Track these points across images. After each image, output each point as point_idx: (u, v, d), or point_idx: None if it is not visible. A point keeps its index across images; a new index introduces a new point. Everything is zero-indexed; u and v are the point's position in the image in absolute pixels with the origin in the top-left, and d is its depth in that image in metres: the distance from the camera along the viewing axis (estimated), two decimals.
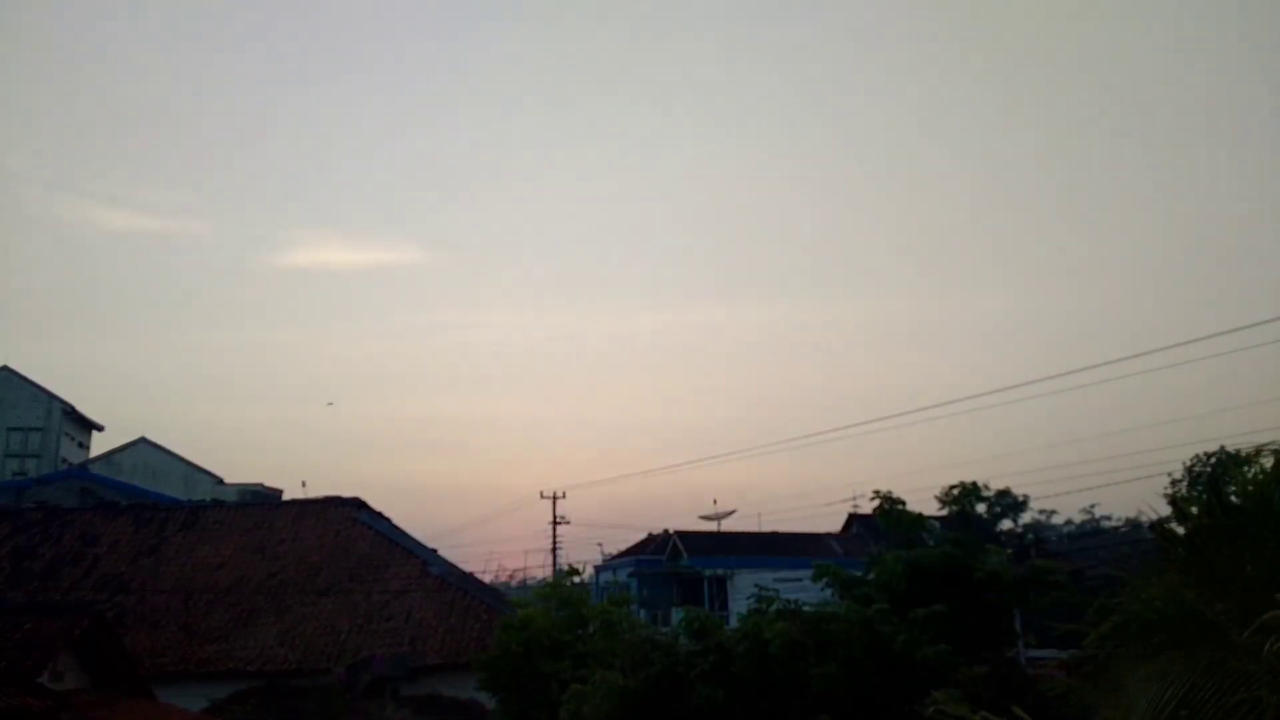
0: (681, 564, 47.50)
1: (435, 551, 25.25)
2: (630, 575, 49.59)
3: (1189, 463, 20.58)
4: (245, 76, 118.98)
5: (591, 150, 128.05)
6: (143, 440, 45.50)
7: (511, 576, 54.37)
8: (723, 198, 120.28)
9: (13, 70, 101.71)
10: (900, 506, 13.53)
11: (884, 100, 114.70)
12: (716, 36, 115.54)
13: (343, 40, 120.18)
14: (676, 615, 34.05)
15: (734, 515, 53.00)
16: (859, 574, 14.15)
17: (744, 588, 32.10)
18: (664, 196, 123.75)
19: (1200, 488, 18.71)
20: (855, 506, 44.89)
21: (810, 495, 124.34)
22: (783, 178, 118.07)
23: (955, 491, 13.72)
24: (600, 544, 58.84)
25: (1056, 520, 61.37)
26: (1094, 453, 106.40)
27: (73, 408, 47.87)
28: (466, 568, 26.23)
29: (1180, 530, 8.10)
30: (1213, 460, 19.42)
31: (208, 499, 31.75)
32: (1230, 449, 20.22)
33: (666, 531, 52.43)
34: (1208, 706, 5.53)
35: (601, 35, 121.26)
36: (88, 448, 50.17)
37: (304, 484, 46.41)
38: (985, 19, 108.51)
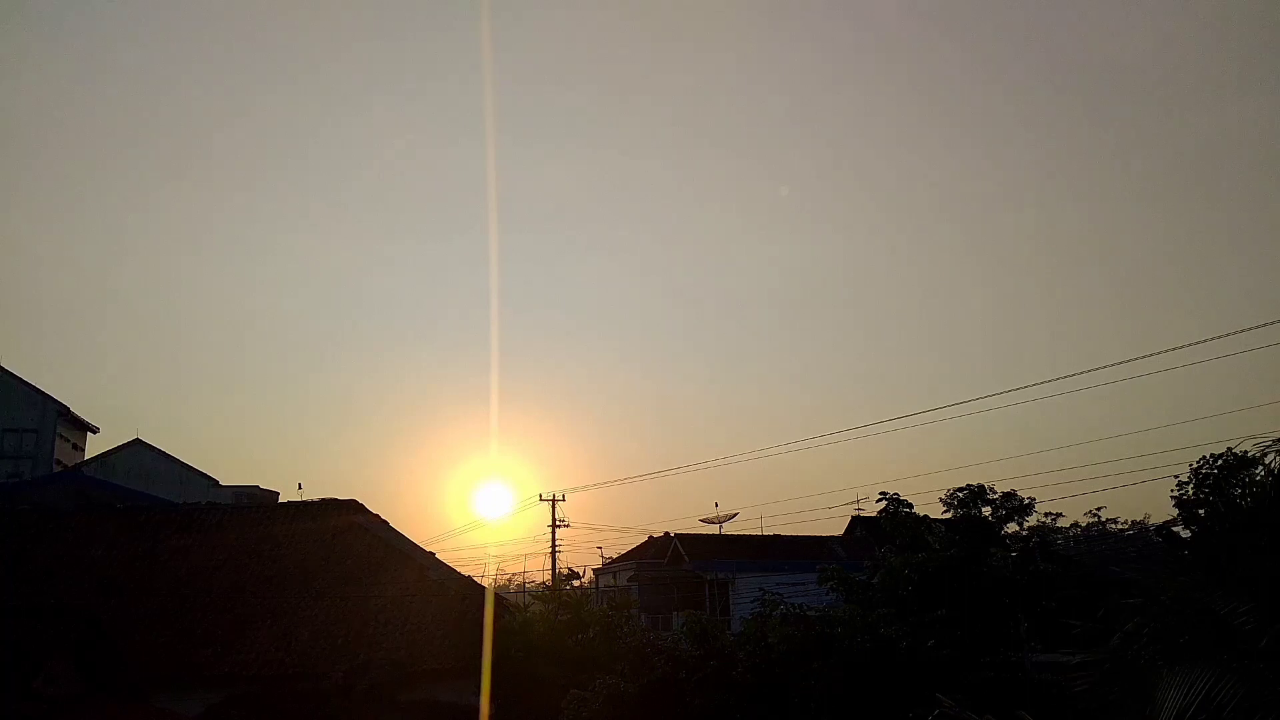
0: (683, 568, 47.33)
1: (433, 555, 25.04)
2: (631, 579, 49.38)
3: (1196, 465, 20.46)
4: None
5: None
6: (137, 442, 45.30)
7: (510, 581, 54.14)
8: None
9: None
10: (906, 509, 13.44)
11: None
12: None
13: None
14: (678, 620, 33.96)
15: (736, 518, 52.97)
16: (863, 577, 14.04)
17: (746, 591, 31.94)
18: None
19: (1207, 490, 18.59)
20: (859, 509, 44.79)
21: (813, 498, 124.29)
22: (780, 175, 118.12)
23: (961, 494, 13.62)
24: (600, 547, 58.67)
25: (1063, 523, 61.27)
26: (1101, 455, 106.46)
27: (67, 409, 47.57)
28: (466, 571, 26.02)
29: (1186, 533, 8.02)
30: (1220, 462, 19.26)
31: (203, 501, 31.55)
32: (1237, 451, 20.10)
33: (668, 534, 52.24)
34: (1229, 710, 5.38)
35: None
36: (82, 449, 49.87)
37: (300, 486, 46.31)
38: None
